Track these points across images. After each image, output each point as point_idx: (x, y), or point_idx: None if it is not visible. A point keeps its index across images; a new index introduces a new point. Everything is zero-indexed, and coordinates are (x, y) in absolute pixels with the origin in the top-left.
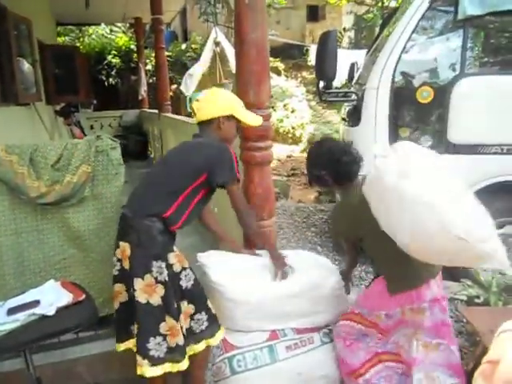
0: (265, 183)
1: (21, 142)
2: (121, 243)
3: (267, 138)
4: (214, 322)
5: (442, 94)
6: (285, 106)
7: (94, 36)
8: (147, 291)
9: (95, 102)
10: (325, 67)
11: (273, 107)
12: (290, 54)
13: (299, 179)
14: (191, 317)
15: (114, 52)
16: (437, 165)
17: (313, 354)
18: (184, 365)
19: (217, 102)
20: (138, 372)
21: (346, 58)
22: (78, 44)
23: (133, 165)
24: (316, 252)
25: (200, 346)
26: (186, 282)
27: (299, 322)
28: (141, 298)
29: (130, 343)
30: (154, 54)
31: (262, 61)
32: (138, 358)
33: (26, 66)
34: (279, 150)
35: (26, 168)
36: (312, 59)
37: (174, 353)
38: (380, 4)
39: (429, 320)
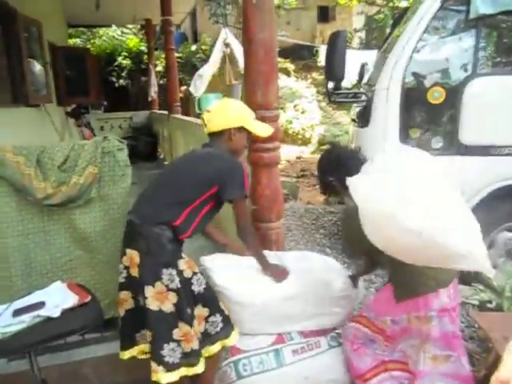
0: (273, 185)
1: (30, 143)
2: (128, 251)
3: (275, 139)
4: (228, 323)
5: (454, 94)
6: (295, 106)
7: (104, 38)
8: (159, 298)
9: (105, 103)
10: (334, 68)
11: (282, 108)
12: (300, 54)
13: (308, 180)
14: (206, 319)
15: (124, 53)
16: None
17: (320, 358)
18: (200, 368)
19: (227, 114)
20: (154, 378)
21: (357, 59)
22: (88, 46)
23: (142, 166)
24: (325, 254)
25: (215, 348)
26: (198, 287)
27: (305, 324)
28: (152, 305)
29: (135, 351)
30: (164, 56)
31: (270, 61)
32: (153, 364)
33: (37, 67)
34: (289, 151)
35: (33, 169)
36: (322, 60)
37: (190, 357)
38: (391, 4)
39: (437, 330)
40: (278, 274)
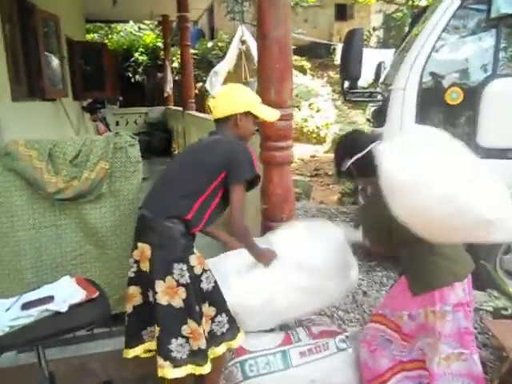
0: (284, 183)
1: (46, 136)
2: (139, 244)
3: (288, 138)
4: (234, 324)
5: (473, 95)
6: (310, 105)
7: (122, 33)
8: (169, 293)
9: (121, 98)
10: (349, 66)
11: (297, 106)
12: (317, 52)
13: (322, 180)
14: (212, 319)
15: (141, 49)
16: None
17: (327, 360)
18: (207, 368)
19: (233, 99)
20: (160, 374)
21: (374, 58)
22: (106, 41)
23: (156, 161)
24: None
25: (221, 349)
26: (206, 285)
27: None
28: (162, 300)
29: (140, 349)
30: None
31: (285, 59)
32: (159, 359)
33: (54, 61)
34: (303, 150)
35: (45, 163)
36: (338, 58)
37: (196, 356)
38: (410, 3)
39: (450, 325)
40: (268, 258)
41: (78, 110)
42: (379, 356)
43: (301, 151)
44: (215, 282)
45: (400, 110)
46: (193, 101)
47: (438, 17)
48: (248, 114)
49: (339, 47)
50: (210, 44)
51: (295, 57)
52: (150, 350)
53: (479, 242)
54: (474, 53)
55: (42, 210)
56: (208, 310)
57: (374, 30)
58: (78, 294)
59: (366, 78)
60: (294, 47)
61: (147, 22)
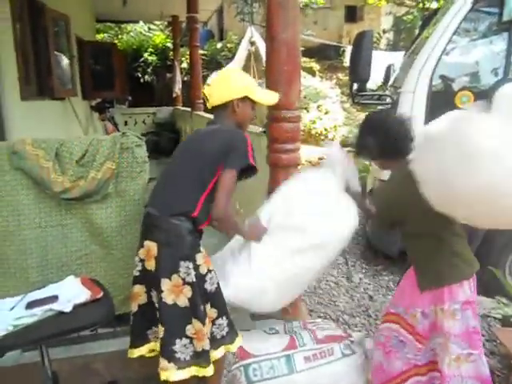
0: None
1: (54, 135)
2: (146, 242)
3: (295, 140)
4: (233, 328)
5: (483, 99)
6: (318, 107)
7: (132, 34)
8: (174, 291)
9: (130, 98)
10: (358, 69)
11: (306, 108)
12: (326, 54)
13: None
14: (213, 322)
15: (150, 50)
16: None
17: (332, 366)
18: (210, 370)
19: (229, 84)
20: (162, 377)
21: (383, 60)
22: (116, 41)
23: (164, 162)
24: (343, 258)
25: (219, 353)
26: (210, 285)
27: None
28: (168, 298)
29: (145, 349)
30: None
31: (293, 61)
32: (163, 362)
33: (64, 61)
34: (311, 152)
35: (52, 163)
36: (348, 60)
37: (200, 358)
38: (420, 5)
39: (459, 325)
40: (257, 234)
41: (87, 109)
42: (393, 358)
43: (308, 153)
44: (218, 283)
45: (409, 113)
46: (201, 101)
47: (448, 19)
48: (245, 98)
49: (349, 49)
50: (219, 45)
51: (304, 58)
52: (154, 350)
53: None
54: (484, 56)
55: (48, 209)
56: (210, 311)
57: (384, 32)
58: (82, 294)
59: (375, 80)
60: (303, 49)
61: (157, 22)
